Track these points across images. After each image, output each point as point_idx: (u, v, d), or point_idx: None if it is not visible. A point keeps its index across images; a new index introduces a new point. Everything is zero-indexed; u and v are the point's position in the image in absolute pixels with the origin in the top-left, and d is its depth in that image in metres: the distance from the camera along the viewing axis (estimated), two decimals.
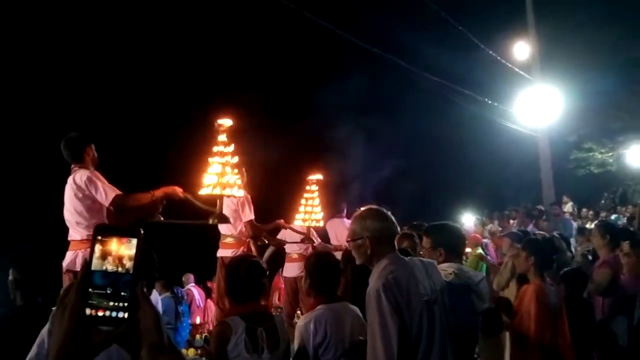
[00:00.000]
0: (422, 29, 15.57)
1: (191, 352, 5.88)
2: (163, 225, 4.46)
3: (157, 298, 8.51)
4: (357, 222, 2.89)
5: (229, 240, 6.23)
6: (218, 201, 4.30)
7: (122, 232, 1.26)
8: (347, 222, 9.52)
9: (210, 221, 4.34)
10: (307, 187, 7.27)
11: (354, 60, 16.99)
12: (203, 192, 4.27)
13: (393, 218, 2.90)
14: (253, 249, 6.35)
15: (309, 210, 7.17)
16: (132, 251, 1.24)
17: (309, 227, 7.35)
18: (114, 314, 1.20)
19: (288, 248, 8.34)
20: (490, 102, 15.45)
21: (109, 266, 1.23)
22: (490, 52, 14.97)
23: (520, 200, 17.35)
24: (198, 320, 9.06)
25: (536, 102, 15.34)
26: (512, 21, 16.86)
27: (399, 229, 2.91)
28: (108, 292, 1.21)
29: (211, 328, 7.57)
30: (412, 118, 18.23)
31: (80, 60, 17.05)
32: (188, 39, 18.40)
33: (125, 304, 1.21)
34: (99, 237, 1.23)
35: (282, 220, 7.17)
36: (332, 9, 13.97)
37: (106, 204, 4.36)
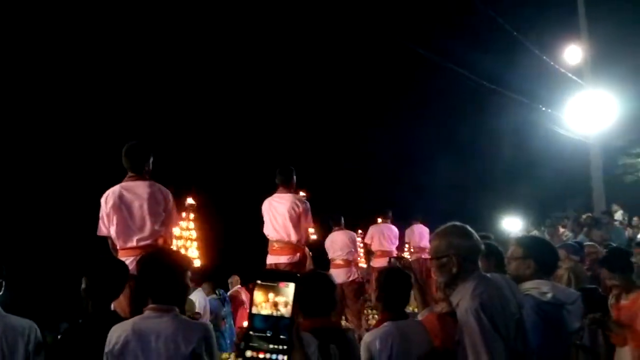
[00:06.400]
0: (473, 32, 15.41)
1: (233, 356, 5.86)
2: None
3: (205, 300, 8.58)
4: (441, 238, 2.71)
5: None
6: None
7: (282, 277, 1.27)
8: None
9: None
10: None
11: (405, 63, 16.93)
12: None
13: (477, 235, 2.75)
14: (308, 255, 6.35)
15: None
16: (290, 295, 1.25)
17: None
18: (274, 356, 1.21)
19: (332, 254, 8.36)
20: (541, 107, 15.15)
21: (269, 310, 1.23)
22: (542, 55, 14.65)
23: (567, 207, 16.93)
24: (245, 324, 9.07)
25: (588, 108, 14.93)
26: (563, 25, 16.54)
27: (483, 246, 2.78)
28: (268, 335, 1.22)
29: None
30: (459, 121, 18.08)
31: None
32: None
33: (285, 347, 1.21)
34: (259, 282, 1.24)
35: None
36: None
37: (170, 228, 4.64)
